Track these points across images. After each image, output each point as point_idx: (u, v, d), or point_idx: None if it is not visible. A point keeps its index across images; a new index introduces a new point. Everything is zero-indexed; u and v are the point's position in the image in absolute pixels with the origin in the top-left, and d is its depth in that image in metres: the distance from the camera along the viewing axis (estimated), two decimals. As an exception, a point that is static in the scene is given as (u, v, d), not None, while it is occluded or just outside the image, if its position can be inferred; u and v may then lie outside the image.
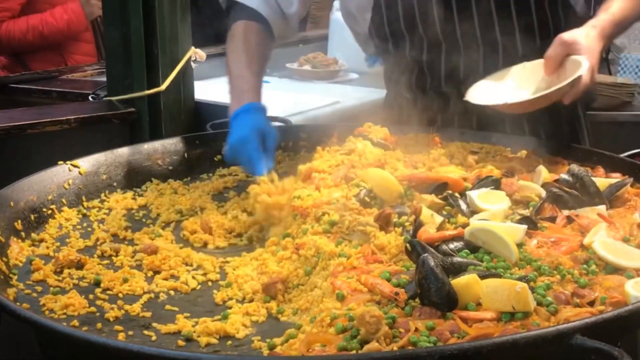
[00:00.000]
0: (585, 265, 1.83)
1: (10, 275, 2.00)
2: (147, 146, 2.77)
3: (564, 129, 2.99)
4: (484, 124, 2.84)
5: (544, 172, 2.32)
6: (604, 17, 2.56)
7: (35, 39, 5.48)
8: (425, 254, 1.72)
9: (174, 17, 3.45)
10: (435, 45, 2.85)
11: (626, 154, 2.63)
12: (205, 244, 2.28)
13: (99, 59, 5.67)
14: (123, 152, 2.68)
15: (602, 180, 2.27)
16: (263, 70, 2.92)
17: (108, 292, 1.96)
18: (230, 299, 1.95)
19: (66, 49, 5.67)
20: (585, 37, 2.47)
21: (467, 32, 2.79)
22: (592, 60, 2.42)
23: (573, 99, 2.43)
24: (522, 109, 2.50)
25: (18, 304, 1.81)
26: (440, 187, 2.23)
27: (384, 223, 2.05)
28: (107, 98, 3.56)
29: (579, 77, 2.36)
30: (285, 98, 3.99)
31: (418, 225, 1.99)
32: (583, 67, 2.38)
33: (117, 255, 2.17)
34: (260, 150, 2.53)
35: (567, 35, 2.47)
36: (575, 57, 2.42)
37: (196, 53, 3.62)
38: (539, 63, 2.54)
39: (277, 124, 3.14)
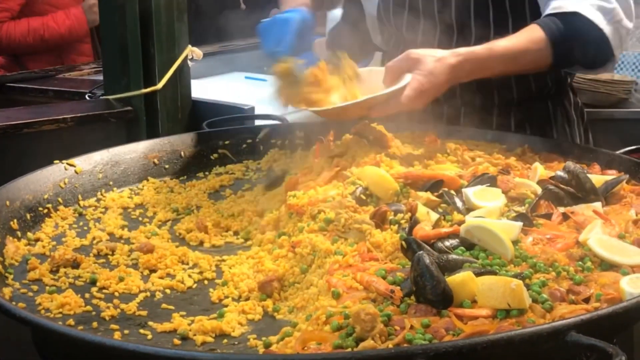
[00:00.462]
0: (580, 262, 1.83)
1: (6, 274, 2.00)
2: (143, 145, 2.77)
3: (553, 131, 3.01)
4: (470, 119, 2.85)
5: (539, 169, 2.32)
6: (477, 50, 2.49)
7: (36, 42, 5.48)
8: (421, 252, 1.72)
9: (170, 15, 3.45)
10: (430, 28, 2.86)
11: (622, 150, 2.63)
12: (201, 243, 2.28)
13: (95, 59, 5.66)
14: (119, 150, 2.67)
15: (598, 177, 2.27)
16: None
17: (104, 291, 1.96)
18: (226, 297, 1.94)
19: (63, 49, 5.66)
20: (435, 60, 2.40)
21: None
22: (423, 83, 2.37)
23: (381, 114, 2.40)
24: (337, 115, 2.49)
25: (14, 303, 1.81)
26: (436, 185, 2.23)
27: (380, 221, 2.05)
28: (104, 97, 3.55)
29: (394, 91, 2.34)
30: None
31: (414, 222, 1.99)
32: (400, 84, 2.35)
33: (113, 254, 2.16)
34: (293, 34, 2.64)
35: (415, 52, 2.42)
36: (409, 75, 2.38)
37: (193, 52, 3.61)
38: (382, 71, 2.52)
39: (272, 122, 3.14)
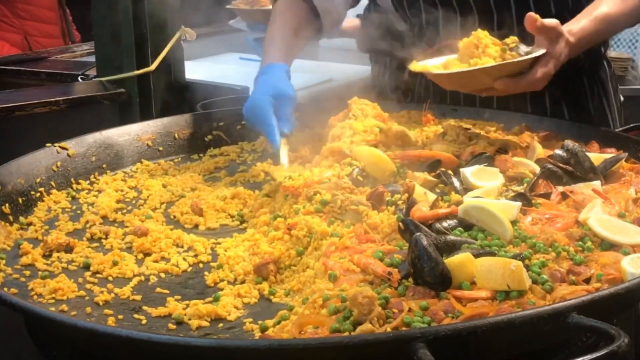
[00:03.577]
0: (580, 242, 1.81)
1: (-2, 260, 1.97)
2: (137, 127, 2.74)
3: (589, 106, 2.93)
4: (503, 101, 2.80)
5: (538, 148, 2.30)
6: (586, 25, 2.45)
7: None
8: (418, 233, 1.69)
9: (163, -5, 3.41)
10: (432, 9, 2.80)
11: (621, 128, 2.61)
12: (196, 225, 2.25)
13: (66, 42, 5.62)
14: (112, 133, 2.65)
15: (597, 156, 2.25)
16: (297, 35, 2.84)
17: (97, 275, 1.94)
18: (222, 280, 1.92)
19: (28, 31, 5.62)
20: (564, 43, 2.37)
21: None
22: (551, 68, 2.32)
23: (505, 88, 2.33)
24: (460, 84, 2.43)
25: (6, 289, 1.79)
26: (433, 165, 2.22)
27: (377, 202, 2.03)
28: (97, 79, 3.52)
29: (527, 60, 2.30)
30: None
31: (411, 203, 1.97)
32: (533, 54, 2.30)
33: (106, 238, 2.14)
34: (271, 118, 2.49)
35: (560, 27, 2.36)
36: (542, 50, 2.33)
37: (186, 32, 3.57)
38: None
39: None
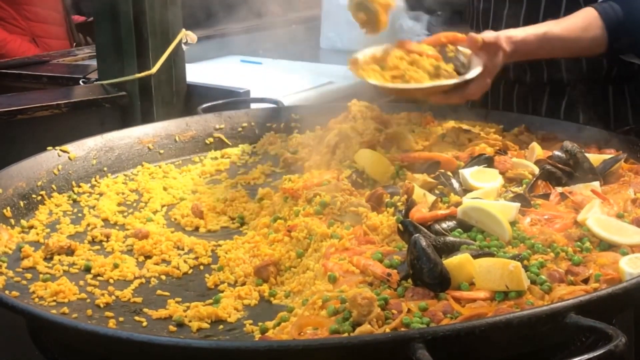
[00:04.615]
0: (579, 243, 1.81)
1: (0, 262, 1.98)
2: (138, 130, 2.75)
3: (610, 120, 2.87)
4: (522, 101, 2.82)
5: (537, 149, 2.30)
6: (529, 38, 2.46)
7: None
8: (417, 235, 1.70)
9: (163, -1, 3.41)
10: None
11: (620, 130, 2.61)
12: (196, 228, 2.26)
13: (71, 43, 5.63)
14: (113, 136, 2.65)
15: (596, 156, 2.25)
16: None
17: (99, 278, 1.95)
18: (222, 282, 1.93)
19: (36, 33, 5.63)
20: (502, 55, 2.42)
21: None
22: (491, 77, 2.42)
23: (452, 101, 2.47)
24: (403, 93, 2.52)
25: (7, 292, 1.80)
26: (432, 166, 2.22)
27: (376, 203, 2.04)
28: (98, 82, 3.52)
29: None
30: (277, 79, 3.96)
31: (410, 204, 1.97)
32: (471, 74, 2.39)
33: (107, 241, 2.15)
34: None
35: (502, 40, 2.42)
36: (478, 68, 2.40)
37: (187, 35, 3.57)
38: None
39: (268, 105, 3.12)
